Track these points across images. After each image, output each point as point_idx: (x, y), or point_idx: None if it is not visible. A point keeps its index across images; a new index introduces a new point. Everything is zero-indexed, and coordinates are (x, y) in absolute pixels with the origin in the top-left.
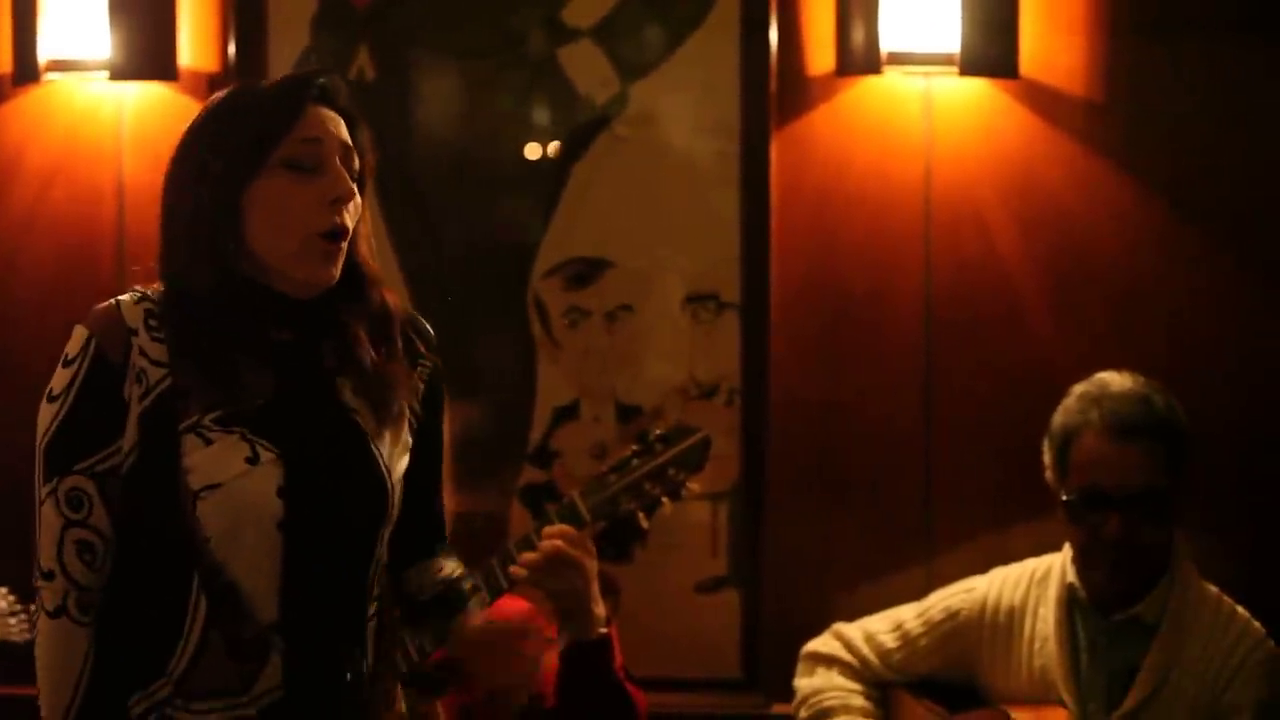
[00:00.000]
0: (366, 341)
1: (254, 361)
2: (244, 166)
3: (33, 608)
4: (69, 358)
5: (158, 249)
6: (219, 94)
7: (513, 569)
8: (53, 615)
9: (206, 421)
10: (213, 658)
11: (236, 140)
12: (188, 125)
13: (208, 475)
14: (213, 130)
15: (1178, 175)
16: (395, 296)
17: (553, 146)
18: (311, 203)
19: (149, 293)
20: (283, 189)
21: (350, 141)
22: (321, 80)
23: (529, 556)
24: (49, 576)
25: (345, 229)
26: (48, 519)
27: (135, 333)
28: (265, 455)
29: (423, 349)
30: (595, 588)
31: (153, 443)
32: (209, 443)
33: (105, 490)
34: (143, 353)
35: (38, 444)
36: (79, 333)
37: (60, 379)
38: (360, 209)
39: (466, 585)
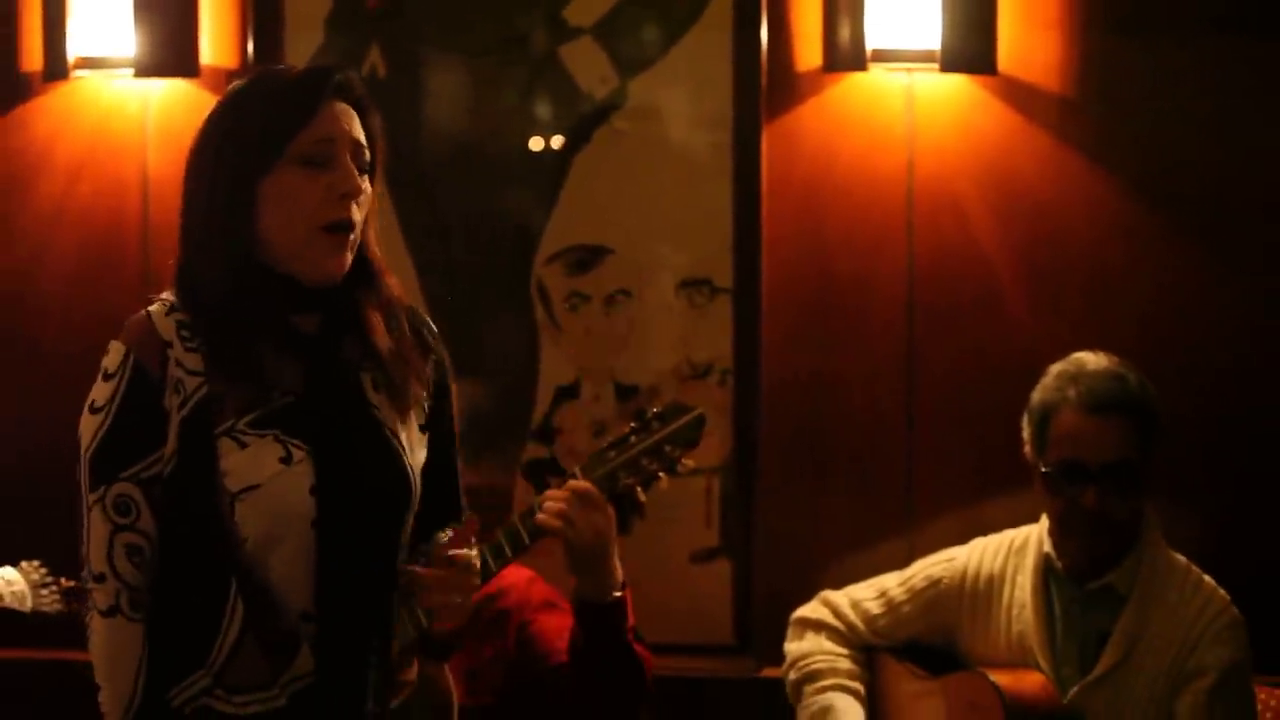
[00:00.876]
0: (383, 330)
1: (278, 351)
2: (257, 160)
3: (64, 590)
4: (109, 372)
5: (178, 233)
6: (239, 83)
7: (539, 516)
8: (107, 614)
9: (241, 425)
10: (247, 654)
11: (252, 133)
12: (209, 113)
13: (244, 478)
14: (231, 120)
15: (1149, 168)
16: (399, 284)
17: (556, 140)
18: (319, 196)
19: (176, 302)
20: (293, 184)
21: (362, 136)
22: (337, 78)
23: (556, 497)
24: (100, 579)
25: (352, 222)
26: (96, 525)
27: (170, 345)
28: (297, 454)
29: (430, 341)
30: (614, 548)
31: (191, 449)
32: (244, 446)
33: (150, 495)
34: (179, 364)
35: (82, 454)
36: (116, 348)
37: (101, 392)
38: (370, 201)
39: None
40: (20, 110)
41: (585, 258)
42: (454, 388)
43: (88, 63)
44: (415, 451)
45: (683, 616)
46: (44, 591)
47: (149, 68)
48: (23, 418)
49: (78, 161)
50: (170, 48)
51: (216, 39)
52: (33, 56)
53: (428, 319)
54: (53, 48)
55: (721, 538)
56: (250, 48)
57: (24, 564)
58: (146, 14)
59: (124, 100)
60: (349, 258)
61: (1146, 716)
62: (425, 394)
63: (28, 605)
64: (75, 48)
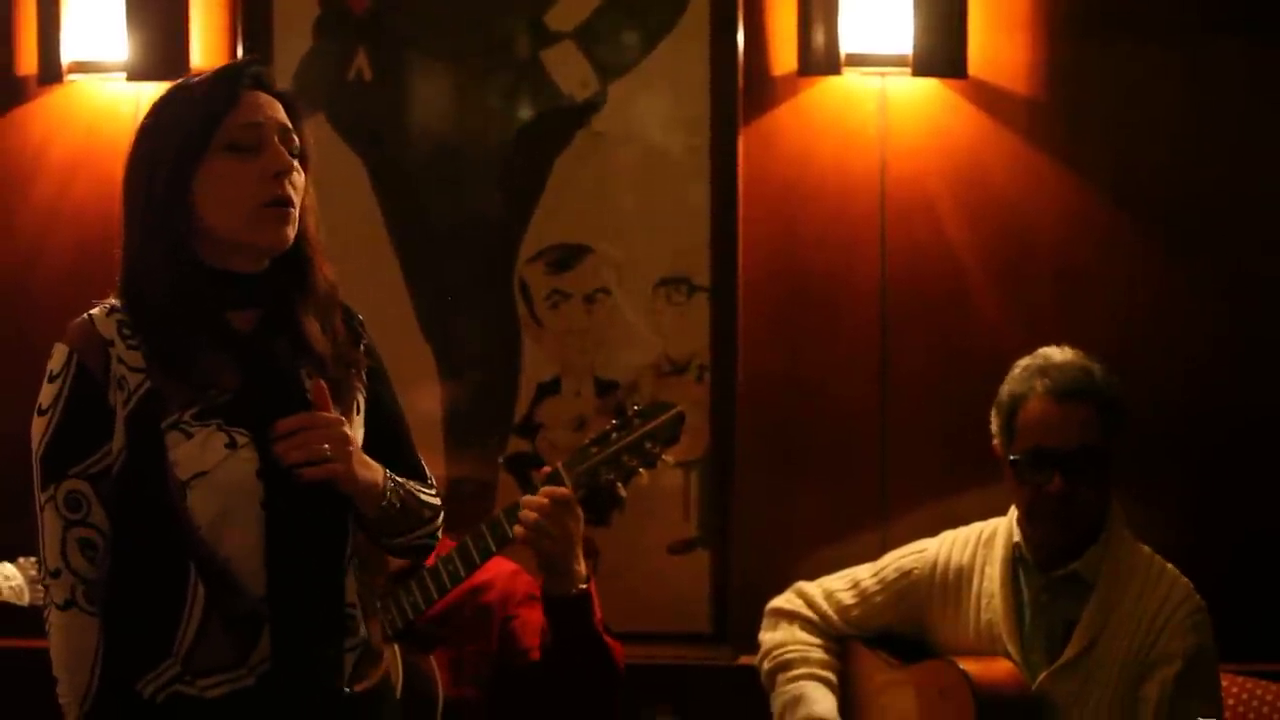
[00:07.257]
0: (317, 330)
1: (215, 349)
2: (187, 155)
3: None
4: (53, 373)
5: (121, 239)
6: (163, 92)
7: (516, 529)
8: (63, 608)
9: (186, 418)
10: (213, 636)
11: (179, 131)
12: (139, 122)
13: (192, 466)
14: (158, 123)
15: (1117, 169)
16: (334, 272)
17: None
18: (254, 177)
19: (117, 304)
20: (227, 170)
21: (288, 123)
22: (254, 68)
23: (532, 504)
24: (56, 574)
25: (289, 198)
26: (49, 522)
27: (112, 343)
28: (241, 440)
29: (359, 329)
30: (580, 548)
31: (139, 442)
32: (190, 436)
33: (100, 490)
34: (121, 361)
35: (33, 455)
36: (59, 349)
37: (47, 393)
38: (304, 185)
39: None
40: (15, 113)
41: (566, 257)
42: (386, 370)
43: (81, 67)
44: (354, 436)
45: (661, 606)
46: (40, 587)
47: (141, 72)
48: (18, 416)
49: (72, 163)
50: (161, 52)
51: (207, 43)
52: (27, 60)
53: (352, 309)
54: (47, 52)
55: (699, 529)
56: (240, 52)
57: (21, 560)
58: (138, 19)
59: (116, 103)
60: (291, 230)
61: (1112, 702)
62: (362, 386)
63: (25, 600)
64: (69, 52)
